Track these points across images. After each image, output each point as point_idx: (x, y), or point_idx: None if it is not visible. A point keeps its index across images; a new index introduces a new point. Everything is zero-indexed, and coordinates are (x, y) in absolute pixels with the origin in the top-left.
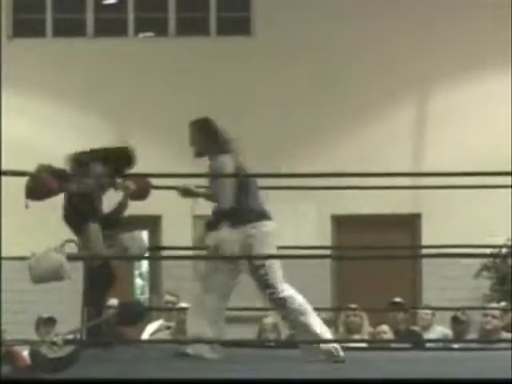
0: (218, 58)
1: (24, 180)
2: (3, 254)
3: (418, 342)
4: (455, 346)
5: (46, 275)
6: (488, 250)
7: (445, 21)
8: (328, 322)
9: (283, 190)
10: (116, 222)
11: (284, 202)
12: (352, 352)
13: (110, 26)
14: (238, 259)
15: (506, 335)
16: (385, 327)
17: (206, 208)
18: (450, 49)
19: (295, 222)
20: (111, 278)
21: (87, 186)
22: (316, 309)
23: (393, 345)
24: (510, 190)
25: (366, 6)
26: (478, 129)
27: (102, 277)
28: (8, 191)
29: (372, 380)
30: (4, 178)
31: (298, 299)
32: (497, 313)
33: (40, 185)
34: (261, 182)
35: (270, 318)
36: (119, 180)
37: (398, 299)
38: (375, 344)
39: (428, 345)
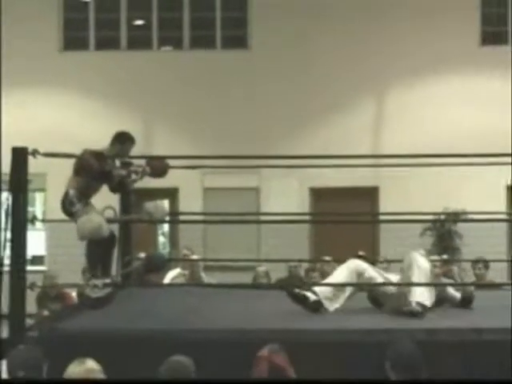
0: (222, 67)
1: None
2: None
3: (376, 285)
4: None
5: (89, 233)
6: (430, 216)
7: (404, 23)
8: (308, 270)
9: (272, 168)
10: (126, 190)
11: (272, 178)
12: None
13: (139, 41)
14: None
15: (444, 279)
16: None
17: (213, 182)
18: (407, 49)
19: (281, 194)
20: (113, 238)
21: (120, 170)
22: (298, 260)
23: None
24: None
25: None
26: (430, 126)
27: (105, 239)
28: (66, 169)
29: (372, 381)
30: (58, 160)
31: None
32: (438, 263)
33: (84, 164)
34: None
35: (263, 267)
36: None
37: (361, 253)
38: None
39: None
